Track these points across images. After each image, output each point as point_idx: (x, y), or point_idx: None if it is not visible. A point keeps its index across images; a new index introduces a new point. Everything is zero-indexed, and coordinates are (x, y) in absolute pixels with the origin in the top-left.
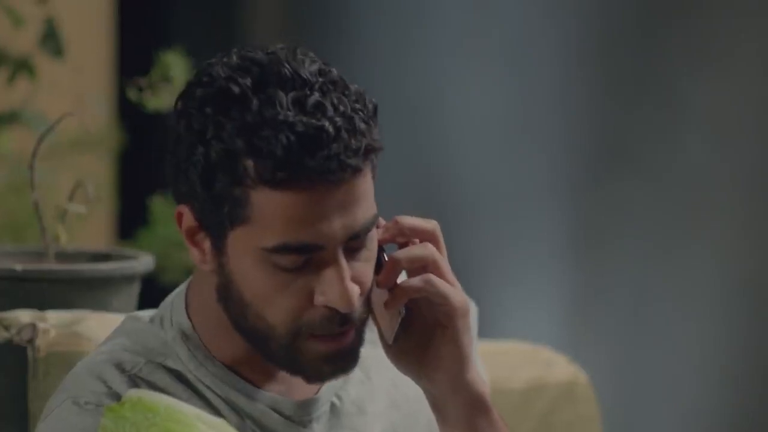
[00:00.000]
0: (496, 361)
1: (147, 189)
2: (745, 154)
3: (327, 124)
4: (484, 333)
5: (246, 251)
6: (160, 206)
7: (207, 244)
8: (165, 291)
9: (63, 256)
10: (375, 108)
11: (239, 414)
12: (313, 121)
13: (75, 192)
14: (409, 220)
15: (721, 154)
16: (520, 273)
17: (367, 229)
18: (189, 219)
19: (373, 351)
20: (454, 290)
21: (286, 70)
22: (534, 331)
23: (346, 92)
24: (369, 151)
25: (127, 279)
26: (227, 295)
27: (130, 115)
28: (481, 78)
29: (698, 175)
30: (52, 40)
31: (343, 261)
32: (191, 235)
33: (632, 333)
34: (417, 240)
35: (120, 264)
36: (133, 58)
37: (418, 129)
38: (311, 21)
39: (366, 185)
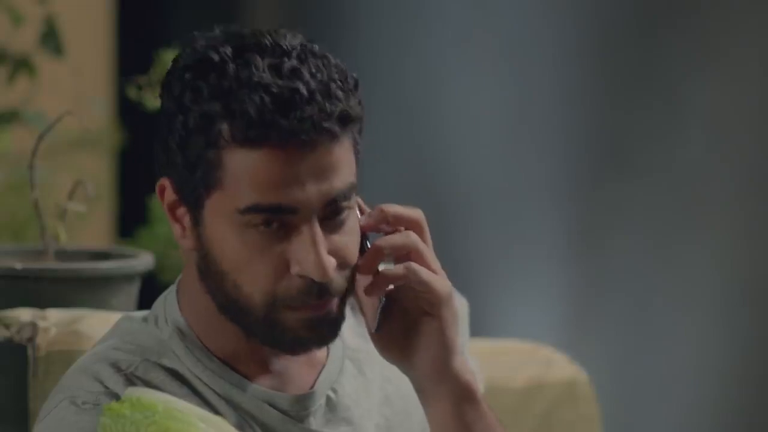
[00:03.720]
0: (497, 361)
1: (147, 188)
2: (745, 154)
3: (302, 86)
4: (484, 332)
5: (221, 217)
6: (160, 205)
7: (187, 220)
8: (164, 290)
9: (63, 255)
10: (356, 82)
11: (235, 409)
12: (289, 83)
13: (75, 191)
14: (394, 208)
15: (720, 154)
16: (521, 272)
17: (343, 196)
18: (170, 193)
19: (365, 345)
20: (437, 278)
21: (266, 41)
22: (534, 330)
23: (325, 62)
24: (346, 118)
25: (126, 278)
26: (206, 269)
27: (130, 114)
28: (480, 78)
29: (698, 176)
30: (52, 39)
31: (317, 229)
32: (173, 209)
33: (632, 332)
34: (402, 228)
35: (120, 263)
36: (133, 56)
37: (417, 129)
38: (311, 20)
39: (344, 154)
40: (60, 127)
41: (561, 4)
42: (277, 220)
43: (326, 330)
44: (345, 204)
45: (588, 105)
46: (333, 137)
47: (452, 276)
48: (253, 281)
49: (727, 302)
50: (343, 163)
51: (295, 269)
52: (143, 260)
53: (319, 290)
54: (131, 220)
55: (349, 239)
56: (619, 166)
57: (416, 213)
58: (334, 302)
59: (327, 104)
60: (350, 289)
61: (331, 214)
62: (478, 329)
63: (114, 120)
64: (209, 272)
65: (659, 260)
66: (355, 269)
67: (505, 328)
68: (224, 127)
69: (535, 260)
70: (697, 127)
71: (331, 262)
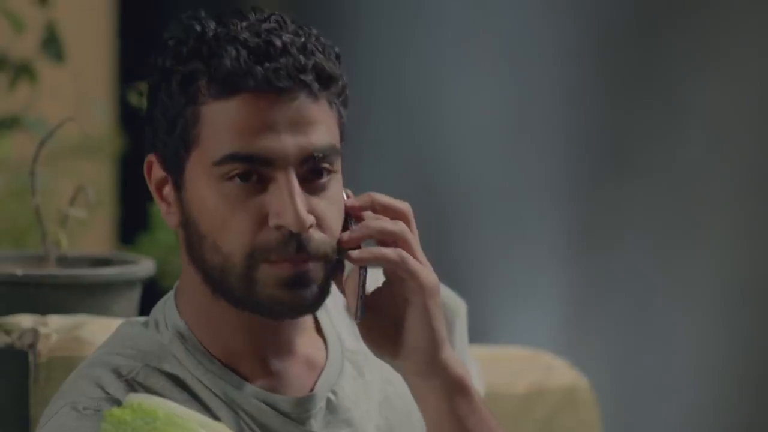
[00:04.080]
0: (497, 367)
1: (148, 194)
2: (745, 155)
3: (278, 41)
4: (484, 338)
5: (200, 175)
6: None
7: (172, 195)
8: (165, 295)
9: (64, 261)
10: (338, 55)
11: (236, 411)
12: (265, 38)
13: (76, 197)
14: (382, 197)
15: (720, 155)
16: (521, 278)
17: (323, 155)
18: (157, 169)
19: (363, 347)
20: (424, 269)
21: (248, 13)
22: (534, 336)
23: (306, 30)
24: (324, 77)
25: (128, 284)
26: (190, 240)
27: (131, 120)
28: (480, 79)
29: (698, 177)
30: (53, 45)
31: (294, 180)
32: (159, 187)
33: (633, 338)
34: (388, 218)
35: (121, 269)
36: (134, 62)
37: (417, 130)
38: (311, 21)
39: (323, 115)
40: (61, 133)
41: (561, 5)
42: (254, 172)
43: (305, 293)
44: (325, 165)
45: (588, 106)
46: (310, 93)
47: (452, 279)
48: (231, 238)
49: (727, 304)
50: (322, 122)
51: (272, 221)
52: (144, 266)
53: (297, 243)
54: (132, 226)
55: (330, 205)
56: (619, 167)
57: (404, 205)
58: (314, 265)
59: (302, 58)
60: (333, 260)
61: (310, 173)
62: (478, 333)
63: (115, 126)
64: (193, 243)
65: (659, 263)
66: (339, 243)
67: (505, 332)
68: (203, 83)
69: (536, 265)
70: (697, 128)
71: (309, 216)
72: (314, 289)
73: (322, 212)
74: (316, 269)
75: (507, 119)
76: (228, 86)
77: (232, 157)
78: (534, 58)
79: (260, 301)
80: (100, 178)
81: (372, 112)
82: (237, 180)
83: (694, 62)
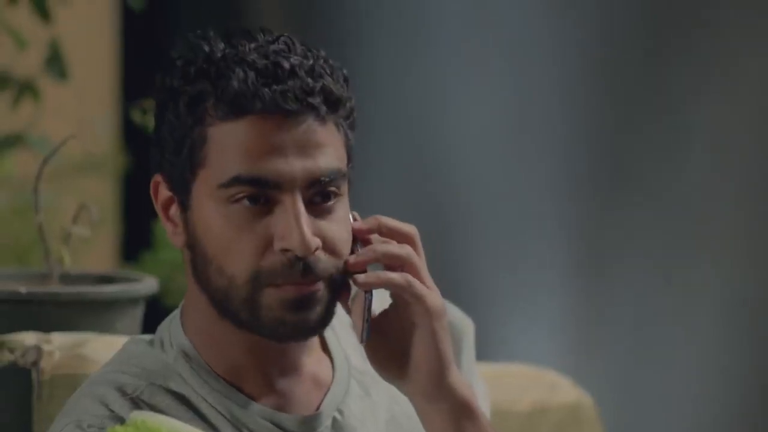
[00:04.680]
0: (501, 384)
1: (151, 212)
2: (749, 174)
3: (286, 63)
4: (488, 356)
5: (206, 196)
6: (164, 230)
7: (178, 215)
8: (169, 313)
9: (67, 279)
10: (345, 77)
11: (241, 430)
12: (273, 60)
13: (79, 215)
14: (389, 221)
15: (724, 175)
16: (525, 296)
17: (330, 179)
18: (163, 189)
19: (370, 367)
20: (430, 292)
21: (257, 34)
22: (538, 354)
23: (314, 52)
24: (332, 99)
25: (131, 301)
26: (195, 261)
27: (134, 138)
28: (483, 97)
29: (701, 198)
30: (56, 62)
31: (300, 204)
32: (166, 207)
33: (636, 356)
34: (395, 241)
35: (124, 286)
36: (137, 80)
37: (420, 148)
38: (313, 39)
39: (330, 138)
40: (64, 151)
41: (564, 26)
42: (261, 195)
43: (309, 315)
44: (332, 189)
45: (592, 127)
46: (318, 116)
47: (455, 296)
48: (236, 261)
49: (731, 322)
50: (329, 145)
51: (278, 245)
52: (147, 284)
53: (303, 267)
54: (135, 244)
55: (337, 228)
56: (622, 186)
57: (410, 228)
58: (320, 286)
59: (310, 80)
60: (338, 283)
61: (317, 197)
62: (481, 350)
63: (118, 144)
64: (198, 264)
65: (663, 281)
66: (346, 266)
67: (509, 352)
68: (210, 104)
69: (540, 283)
70: (700, 148)
71: (314, 239)
72: (319, 310)
73: (328, 234)
74: (321, 291)
75: (511, 138)
76: (235, 108)
77: (239, 180)
78: (537, 78)
79: (264, 324)
80: (103, 196)
81: (373, 128)
82: (244, 202)
83: (697, 83)
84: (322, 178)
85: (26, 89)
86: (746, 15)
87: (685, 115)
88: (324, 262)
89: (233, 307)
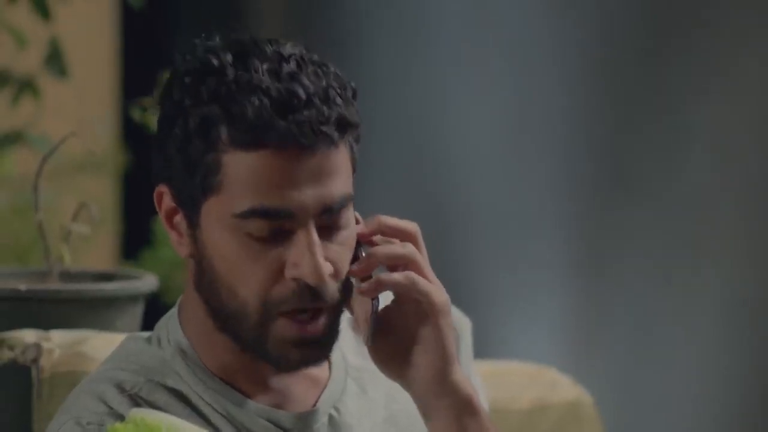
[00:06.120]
0: (501, 382)
1: (151, 210)
2: (749, 176)
3: (300, 90)
4: (488, 353)
5: (218, 221)
6: (164, 227)
7: (184, 226)
8: (168, 311)
9: (67, 277)
10: (354, 92)
11: (238, 428)
12: (287, 86)
13: (79, 213)
14: (390, 220)
15: (724, 176)
16: (525, 296)
17: (341, 206)
18: (167, 199)
19: (368, 365)
20: (435, 288)
21: (266, 47)
22: (538, 351)
23: (324, 69)
24: (344, 124)
25: (131, 299)
26: (201, 275)
27: (134, 136)
28: (483, 99)
29: (701, 198)
30: (56, 60)
31: (314, 233)
32: (170, 217)
33: (636, 354)
34: (397, 240)
35: (124, 284)
36: (137, 78)
37: (420, 148)
38: (313, 39)
39: (342, 162)
40: (64, 149)
41: (564, 30)
42: (274, 224)
43: (313, 351)
44: (341, 214)
45: (592, 128)
46: (331, 143)
47: (455, 295)
48: (248, 287)
49: (732, 325)
50: (341, 170)
51: (290, 273)
52: (147, 282)
53: (312, 294)
54: (135, 242)
55: (343, 251)
56: (622, 186)
57: (412, 226)
58: (323, 322)
59: (325, 108)
60: (342, 303)
61: (327, 222)
62: (482, 349)
63: (118, 142)
64: (204, 278)
65: (662, 280)
66: (349, 274)
67: (509, 350)
68: (223, 131)
69: (540, 281)
70: (700, 150)
71: (327, 266)
72: (322, 345)
73: (337, 258)
74: (326, 321)
75: (511, 138)
76: (251, 138)
77: (254, 212)
78: (537, 81)
79: (269, 353)
80: (103, 194)
81: (373, 128)
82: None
83: (697, 85)
84: (334, 206)
85: (26, 87)
86: (746, 15)
87: (685, 115)
88: (331, 286)
89: (241, 330)
